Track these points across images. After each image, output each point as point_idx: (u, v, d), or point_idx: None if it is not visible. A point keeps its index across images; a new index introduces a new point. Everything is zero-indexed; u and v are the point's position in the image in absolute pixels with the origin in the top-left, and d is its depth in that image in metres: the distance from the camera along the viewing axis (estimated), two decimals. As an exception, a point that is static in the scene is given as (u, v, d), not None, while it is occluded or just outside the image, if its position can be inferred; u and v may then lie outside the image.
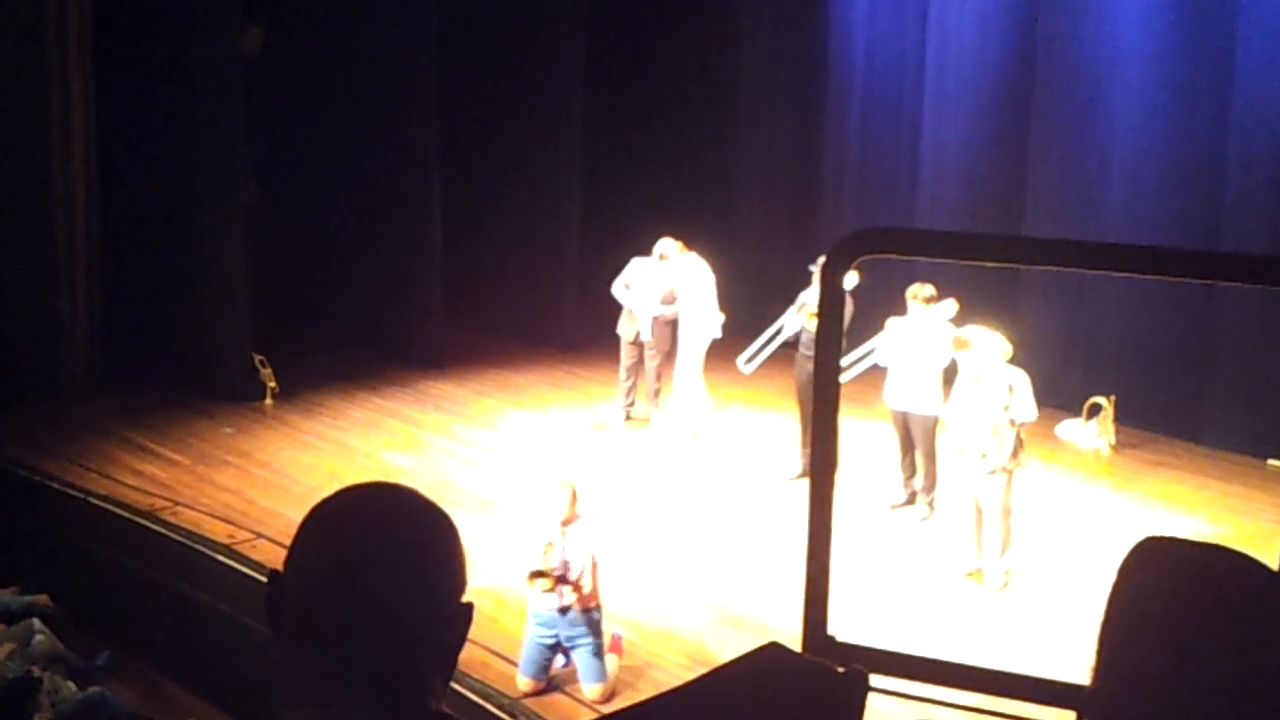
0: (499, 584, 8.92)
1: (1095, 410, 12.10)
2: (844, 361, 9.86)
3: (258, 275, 13.46)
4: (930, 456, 10.36)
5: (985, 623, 8.81)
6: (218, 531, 10.06)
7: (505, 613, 8.58)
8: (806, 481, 3.07)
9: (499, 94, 14.98)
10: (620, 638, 8.38)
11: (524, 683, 8.03)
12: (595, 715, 7.73)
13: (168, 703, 9.08)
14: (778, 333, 11.60)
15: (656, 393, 12.42)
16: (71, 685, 8.49)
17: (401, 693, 1.73)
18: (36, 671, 8.34)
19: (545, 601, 7.92)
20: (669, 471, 11.44)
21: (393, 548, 1.75)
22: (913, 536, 10.17)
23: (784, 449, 11.39)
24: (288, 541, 1.80)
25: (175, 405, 12.71)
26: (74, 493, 10.78)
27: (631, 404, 12.55)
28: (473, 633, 1.82)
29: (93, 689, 8.48)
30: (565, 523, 7.89)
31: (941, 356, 10.01)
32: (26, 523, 10.68)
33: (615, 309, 12.37)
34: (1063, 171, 12.91)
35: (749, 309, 12.97)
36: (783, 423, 11.80)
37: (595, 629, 7.98)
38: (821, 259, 6.15)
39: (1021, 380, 9.23)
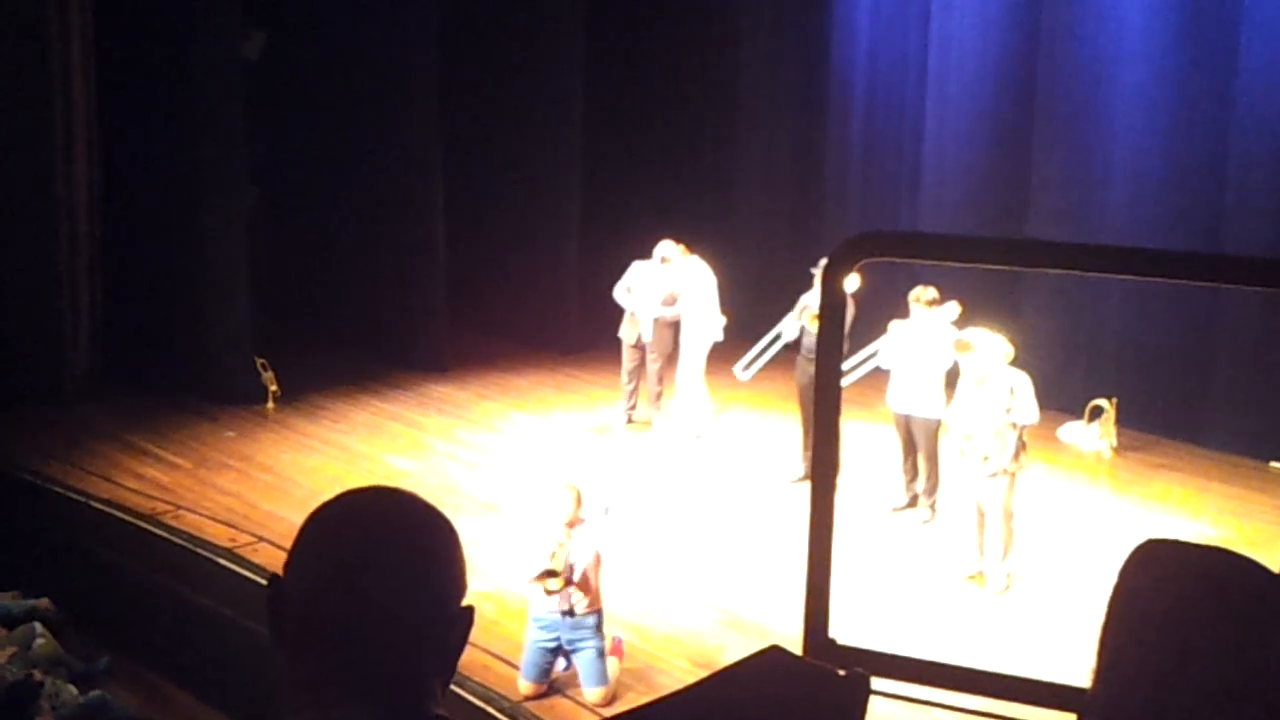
0: (501, 587, 8.92)
1: (1097, 412, 12.10)
2: (846, 365, 9.87)
3: (259, 277, 13.46)
4: (932, 459, 10.35)
5: (987, 625, 8.81)
6: (219, 535, 10.05)
7: (507, 616, 8.58)
8: (808, 484, 3.07)
9: (499, 95, 14.98)
10: (621, 641, 8.38)
11: (525, 686, 8.02)
12: (597, 719, 7.72)
13: (169, 706, 9.08)
14: (774, 340, 11.60)
15: (658, 396, 12.42)
16: (73, 689, 8.50)
17: (402, 696, 1.73)
18: (38, 675, 8.35)
19: (547, 604, 7.91)
20: (671, 474, 11.43)
21: (393, 551, 1.75)
22: (914, 539, 10.16)
23: (786, 452, 11.39)
24: (289, 545, 1.80)
25: (176, 408, 12.71)
26: (75, 496, 10.78)
27: (633, 407, 12.55)
28: (474, 636, 1.81)
29: (94, 692, 8.49)
30: (570, 524, 7.89)
31: (944, 359, 10.01)
32: (28, 526, 10.68)
33: (617, 312, 12.37)
34: (1065, 173, 12.90)
35: (750, 311, 12.96)
36: (784, 426, 11.79)
37: (596, 632, 7.98)
38: (823, 262, 6.15)
39: (1023, 382, 9.23)
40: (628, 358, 12.43)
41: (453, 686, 1.81)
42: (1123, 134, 12.49)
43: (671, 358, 12.25)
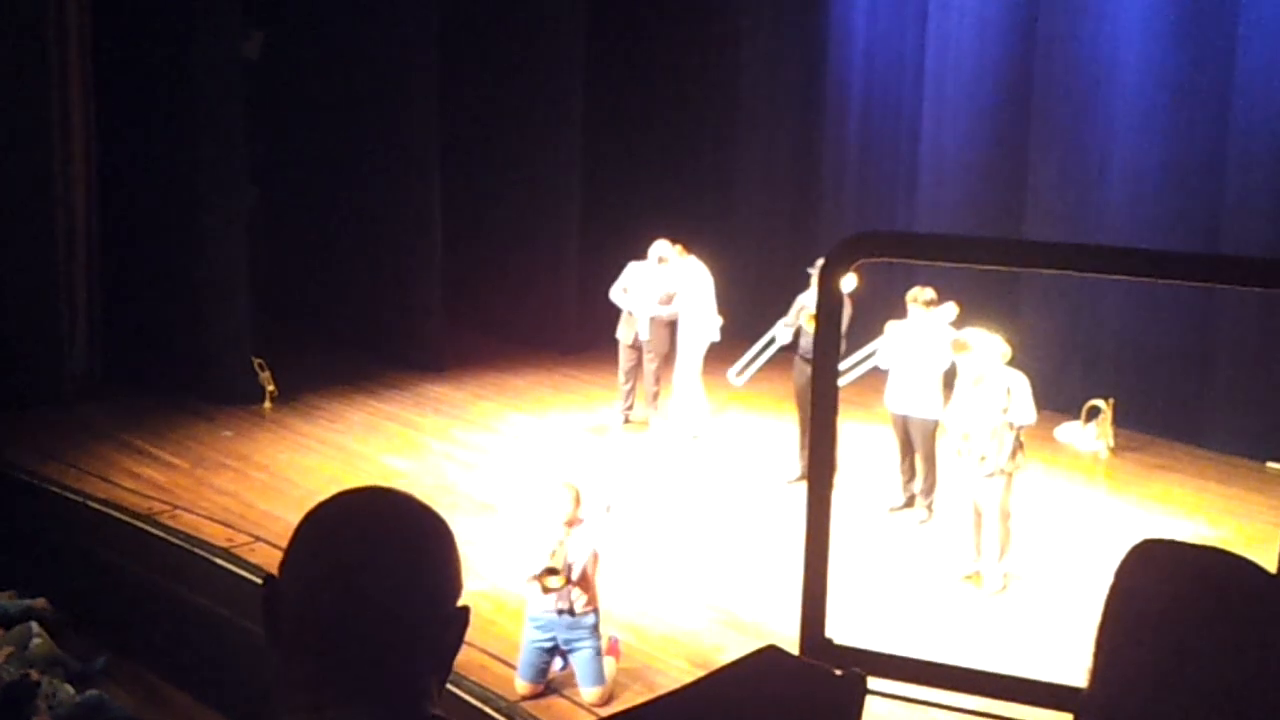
0: (497, 587, 8.92)
1: (1094, 413, 12.11)
2: (843, 365, 9.87)
3: (257, 277, 13.46)
4: (930, 460, 10.35)
5: (983, 625, 8.81)
6: (216, 535, 10.05)
7: (503, 616, 8.58)
8: (805, 484, 3.07)
9: (498, 95, 14.98)
10: (618, 640, 8.38)
11: (522, 686, 8.02)
12: (593, 718, 7.72)
13: (166, 706, 9.08)
14: (768, 344, 11.61)
15: (655, 396, 12.42)
16: (69, 688, 8.50)
17: (398, 696, 1.73)
18: (34, 675, 8.35)
19: (544, 603, 7.91)
20: (668, 474, 11.43)
21: (388, 551, 1.75)
22: (911, 539, 10.16)
23: (783, 452, 11.39)
24: (286, 545, 1.80)
25: (174, 408, 12.71)
26: (72, 496, 10.77)
27: (630, 407, 12.55)
28: (471, 635, 1.82)
29: (91, 692, 8.48)
30: (568, 524, 7.89)
31: (941, 360, 10.01)
32: (25, 525, 10.67)
33: (614, 312, 12.37)
34: (1062, 173, 12.91)
35: (748, 311, 12.97)
36: (781, 426, 11.80)
37: (593, 632, 7.98)
38: (820, 262, 6.16)
39: (1021, 383, 9.23)
40: (624, 358, 12.43)
41: (450, 686, 1.81)
42: (1120, 134, 12.50)
43: (668, 357, 12.25)
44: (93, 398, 12.91)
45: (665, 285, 12.03)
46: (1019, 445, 9.22)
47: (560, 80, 14.55)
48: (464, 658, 1.65)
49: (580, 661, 7.98)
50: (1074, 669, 1.74)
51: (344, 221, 14.58)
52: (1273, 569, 1.60)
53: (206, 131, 12.87)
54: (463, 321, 14.85)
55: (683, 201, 14.62)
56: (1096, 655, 1.59)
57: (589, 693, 7.97)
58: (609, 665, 8.12)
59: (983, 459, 9.19)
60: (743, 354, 11.92)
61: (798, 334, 11.02)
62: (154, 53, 13.13)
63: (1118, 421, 12.06)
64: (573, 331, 14.76)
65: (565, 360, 14.58)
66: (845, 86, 14.92)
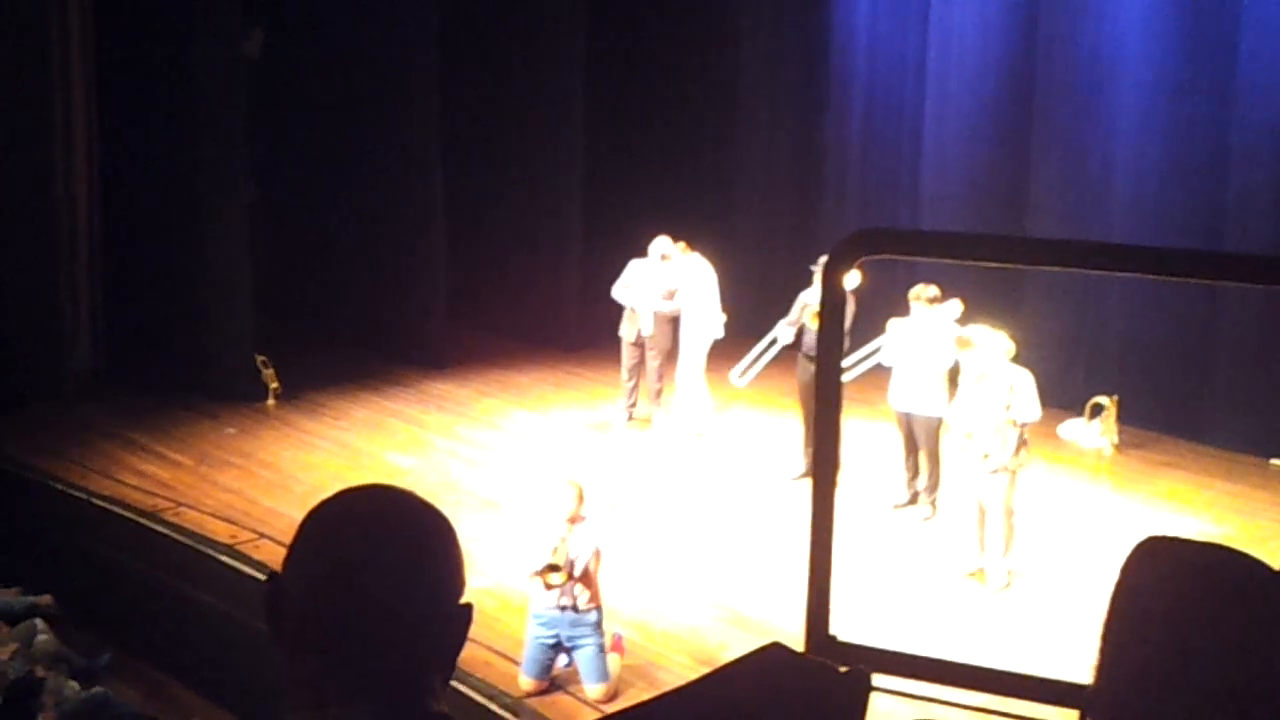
0: (501, 584, 8.92)
1: (1098, 410, 12.09)
2: (846, 361, 9.86)
3: (259, 275, 13.46)
4: (934, 457, 10.35)
5: (988, 622, 8.81)
6: (220, 532, 10.06)
7: (507, 612, 8.59)
8: (809, 481, 3.06)
9: (499, 94, 14.98)
10: (621, 637, 8.38)
11: (526, 682, 8.03)
12: (598, 715, 7.72)
13: (170, 703, 9.09)
14: (770, 344, 11.61)
15: (658, 393, 12.42)
16: (74, 685, 8.50)
17: (401, 693, 1.73)
18: (39, 671, 8.35)
19: (547, 600, 7.92)
20: (672, 472, 11.43)
21: (391, 549, 1.75)
22: (915, 536, 10.16)
23: (786, 449, 11.38)
24: (290, 542, 1.80)
25: (178, 406, 12.72)
26: (77, 493, 10.78)
27: (634, 405, 12.55)
28: (475, 632, 1.81)
29: (95, 689, 8.48)
30: (571, 521, 7.89)
31: (945, 357, 10.01)
32: (29, 523, 10.69)
33: (617, 309, 12.37)
34: (1064, 171, 12.90)
35: (750, 309, 12.96)
36: (785, 423, 11.79)
37: (597, 628, 7.98)
38: (823, 259, 6.15)
39: (1025, 380, 9.22)
40: (628, 355, 12.43)
41: (454, 683, 1.81)
42: (1122, 132, 12.49)
43: (671, 354, 12.24)
44: (96, 395, 12.92)
45: (668, 282, 12.03)
46: (1023, 442, 9.22)
47: (561, 80, 14.55)
48: (468, 654, 1.65)
49: (584, 658, 7.99)
50: (1079, 666, 1.73)
51: (346, 219, 14.58)
52: (1278, 566, 1.60)
53: (208, 130, 12.88)
54: (465, 319, 14.85)
55: (684, 200, 14.61)
56: (1102, 652, 1.59)
57: (593, 689, 7.98)
58: (613, 662, 8.12)
59: (986, 456, 9.19)
60: (745, 352, 11.92)
61: (801, 331, 11.02)
62: (155, 52, 13.13)
63: (1122, 418, 12.05)
64: (575, 329, 14.75)
65: (568, 357, 14.57)
66: (847, 85, 14.91)
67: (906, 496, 10.57)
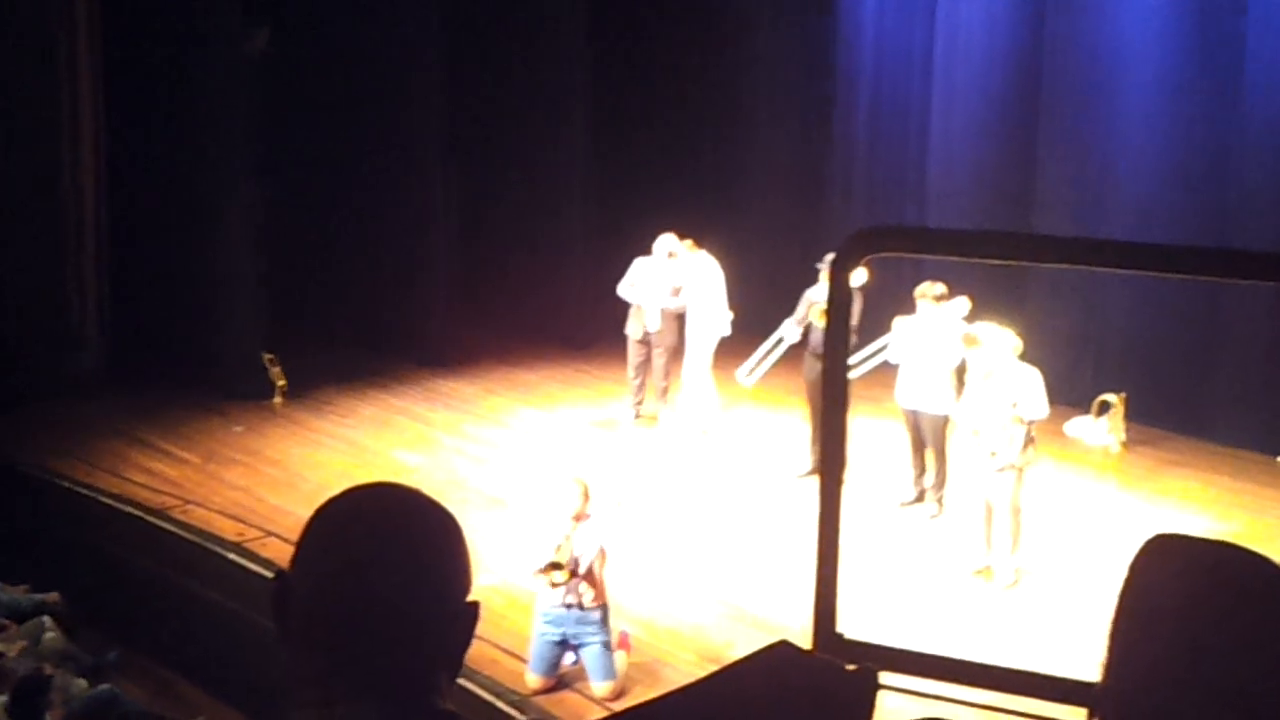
0: (508, 581, 8.92)
1: (1105, 407, 12.08)
2: (853, 359, 9.86)
3: (266, 273, 13.46)
4: (941, 455, 10.34)
5: (995, 620, 8.80)
6: (227, 529, 10.07)
7: (514, 610, 8.58)
8: (816, 479, 3.06)
9: (504, 92, 14.98)
10: (628, 635, 8.38)
11: (533, 680, 8.03)
12: (605, 713, 7.72)
13: (178, 700, 9.10)
14: (777, 344, 11.60)
15: (665, 390, 12.41)
16: (82, 682, 8.50)
17: (408, 691, 1.73)
18: (47, 669, 8.35)
19: (553, 598, 7.92)
20: (678, 469, 11.43)
21: (398, 547, 1.75)
22: (922, 534, 10.16)
23: (793, 446, 11.38)
24: (297, 540, 1.80)
25: (185, 403, 12.72)
26: (83, 491, 10.79)
27: (640, 402, 12.54)
28: (482, 630, 1.81)
29: (103, 686, 8.48)
30: (576, 518, 7.89)
31: (952, 355, 10.00)
32: (36, 521, 10.69)
33: (623, 307, 12.36)
34: (1070, 168, 12.88)
35: (756, 307, 12.95)
36: (792, 420, 11.78)
37: (603, 626, 7.98)
38: (829, 256, 6.14)
39: (1032, 378, 9.21)
40: (634, 353, 12.42)
41: (461, 680, 1.81)
42: (1128, 129, 12.47)
43: (677, 352, 12.24)
44: (102, 393, 12.92)
45: (675, 279, 12.03)
46: (1030, 440, 9.21)
47: (565, 78, 14.56)
48: (475, 652, 1.65)
49: (590, 656, 7.99)
50: (1087, 663, 1.73)
51: (352, 217, 14.58)
52: (1285, 563, 1.59)
53: (213, 128, 12.90)
54: (471, 317, 14.85)
55: (689, 197, 14.59)
56: (1110, 650, 1.59)
57: (599, 687, 7.98)
58: (620, 660, 8.12)
59: (993, 454, 9.18)
60: (751, 350, 11.92)
61: (808, 329, 11.02)
62: (160, 50, 13.14)
63: (1129, 416, 12.04)
64: (581, 327, 14.75)
65: (574, 355, 14.57)
66: (853, 81, 14.90)
67: (913, 494, 10.57)
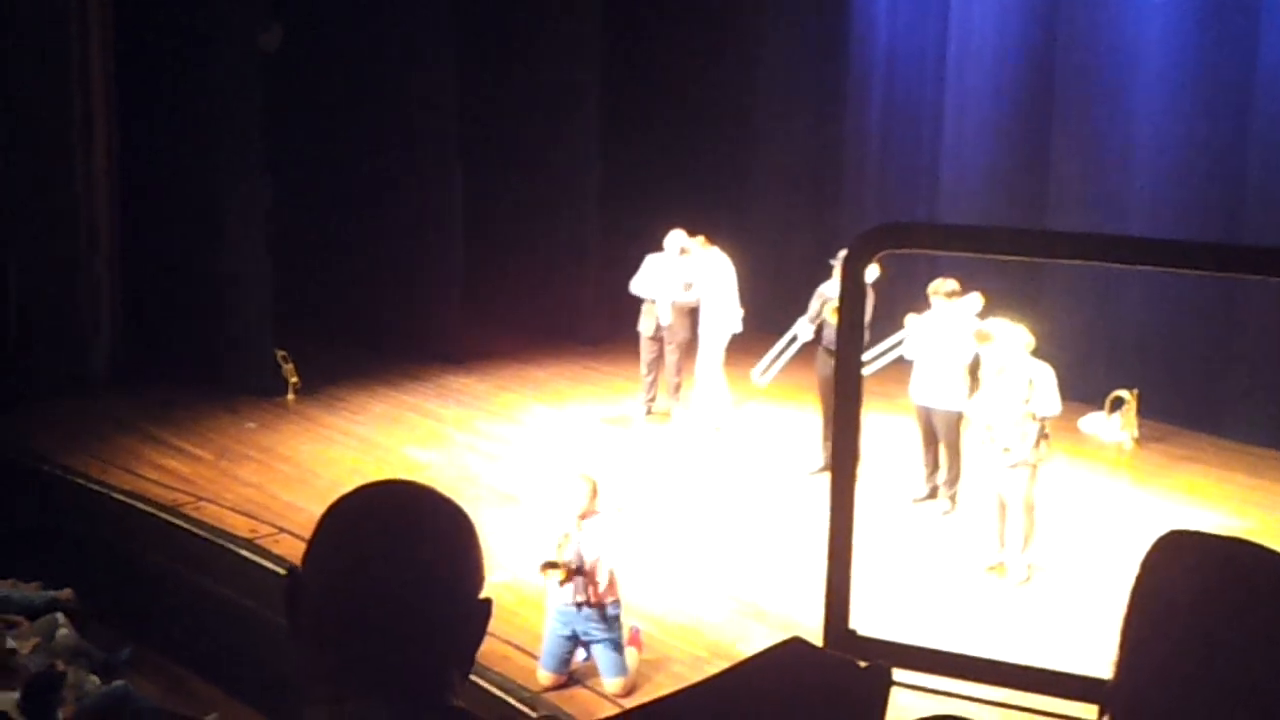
0: (520, 578, 8.91)
1: (1118, 404, 12.06)
2: (866, 356, 9.84)
3: (279, 270, 13.48)
4: (954, 451, 10.32)
5: (1008, 617, 8.79)
6: (240, 526, 10.08)
7: (526, 606, 8.59)
8: (828, 475, 3.06)
9: (517, 90, 14.98)
10: (639, 631, 8.38)
11: (544, 676, 8.04)
12: (616, 709, 7.72)
13: (190, 697, 9.11)
14: (790, 342, 11.60)
15: (677, 387, 12.41)
16: (95, 679, 8.52)
17: (420, 688, 1.73)
18: (60, 665, 8.37)
19: (563, 595, 7.92)
20: (690, 466, 11.43)
21: (410, 544, 1.75)
22: (935, 530, 10.14)
23: (805, 443, 11.37)
24: (309, 536, 1.80)
25: (197, 401, 12.74)
26: (97, 488, 10.82)
27: (653, 399, 12.55)
28: (493, 626, 1.81)
29: (116, 683, 8.50)
30: (583, 516, 7.89)
31: (965, 351, 9.98)
32: (50, 518, 10.72)
33: (635, 304, 12.36)
34: (1084, 164, 12.86)
35: (769, 304, 12.95)
36: (804, 417, 11.78)
37: (614, 623, 7.98)
38: (842, 252, 6.14)
39: (1045, 374, 9.19)
40: (646, 350, 12.42)
41: (472, 677, 1.81)
42: (1142, 125, 12.45)
43: (689, 348, 12.24)
44: (116, 390, 12.96)
45: (687, 275, 12.03)
46: (1044, 436, 9.19)
47: (578, 74, 14.57)
48: (487, 649, 1.65)
49: (601, 653, 7.99)
50: (1099, 661, 1.73)
51: (365, 214, 14.59)
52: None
53: (226, 124, 12.92)
54: (484, 314, 14.86)
55: (703, 193, 14.59)
56: (1122, 647, 1.58)
57: (611, 684, 7.98)
58: (631, 656, 8.12)
59: (1007, 450, 9.16)
60: (763, 347, 11.91)
61: (821, 326, 11.02)
62: (173, 48, 13.16)
63: (1142, 412, 12.02)
64: (593, 323, 14.77)
65: (586, 352, 14.58)
66: (866, 78, 14.88)
67: (926, 491, 10.55)
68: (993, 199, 13.34)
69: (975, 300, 10.25)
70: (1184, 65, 12.12)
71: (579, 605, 7.90)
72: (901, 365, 10.64)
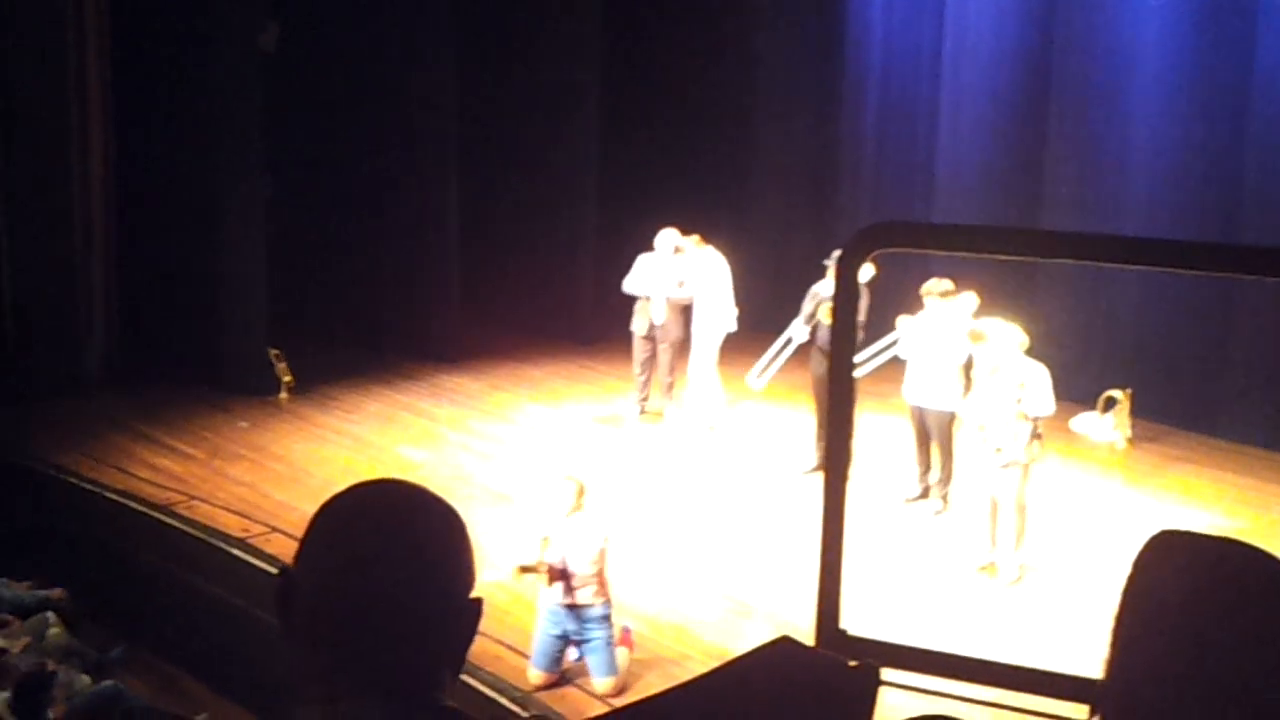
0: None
1: (1111, 403, 12.08)
2: (860, 356, 9.86)
3: (273, 269, 13.48)
4: (946, 451, 10.33)
5: (999, 616, 8.80)
6: (232, 525, 10.07)
7: (518, 606, 8.58)
8: (821, 475, 3.06)
9: (514, 88, 14.98)
10: (630, 631, 8.38)
11: (536, 675, 8.04)
12: (606, 709, 7.72)
13: (182, 696, 9.11)
14: (786, 344, 11.60)
15: (670, 386, 12.42)
16: (86, 678, 8.51)
17: (412, 687, 1.73)
18: (50, 665, 8.36)
19: (554, 595, 7.93)
20: (683, 465, 11.43)
21: (402, 543, 1.75)
22: (927, 530, 10.15)
23: (799, 442, 11.37)
24: (302, 535, 1.80)
25: (190, 400, 12.74)
26: (89, 487, 10.81)
27: (646, 398, 12.55)
28: (485, 625, 1.81)
29: (107, 682, 8.49)
30: (570, 516, 7.90)
31: (959, 351, 9.99)
32: (41, 517, 10.71)
33: (629, 302, 12.36)
34: (1080, 163, 12.87)
35: (765, 303, 12.96)
36: (797, 416, 11.78)
37: (605, 622, 7.98)
38: (837, 253, 6.14)
39: (1038, 374, 9.20)
40: (639, 349, 12.43)
41: (464, 676, 1.81)
42: (1138, 125, 12.46)
43: (683, 347, 12.24)
44: (109, 389, 12.94)
45: (680, 274, 12.03)
46: (1037, 436, 9.19)
47: (575, 73, 14.57)
48: (478, 648, 1.65)
49: (593, 652, 7.99)
50: (1091, 660, 1.73)
51: (360, 214, 14.59)
52: (1291, 560, 1.59)
53: (222, 125, 12.91)
54: (478, 312, 14.86)
55: (699, 193, 14.59)
56: (1113, 646, 1.58)
57: (601, 683, 7.98)
58: (622, 656, 8.12)
59: (999, 450, 9.17)
60: (758, 346, 11.91)
61: (816, 326, 11.02)
62: (170, 47, 13.15)
63: (1135, 412, 12.03)
64: (588, 322, 14.77)
65: (580, 351, 14.58)
66: (862, 77, 14.90)
67: (918, 490, 10.56)
68: (988, 199, 13.35)
69: (970, 300, 10.25)
70: (1180, 67, 12.13)
71: (568, 607, 7.91)
72: (894, 365, 10.64)
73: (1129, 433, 12.00)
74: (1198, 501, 10.71)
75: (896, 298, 10.97)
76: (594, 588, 7.92)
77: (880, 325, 10.70)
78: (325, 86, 14.61)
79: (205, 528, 10.04)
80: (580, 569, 7.87)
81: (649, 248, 12.14)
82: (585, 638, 7.98)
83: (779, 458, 11.43)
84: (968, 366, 9.96)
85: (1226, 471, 11.39)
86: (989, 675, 2.85)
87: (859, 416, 3.03)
